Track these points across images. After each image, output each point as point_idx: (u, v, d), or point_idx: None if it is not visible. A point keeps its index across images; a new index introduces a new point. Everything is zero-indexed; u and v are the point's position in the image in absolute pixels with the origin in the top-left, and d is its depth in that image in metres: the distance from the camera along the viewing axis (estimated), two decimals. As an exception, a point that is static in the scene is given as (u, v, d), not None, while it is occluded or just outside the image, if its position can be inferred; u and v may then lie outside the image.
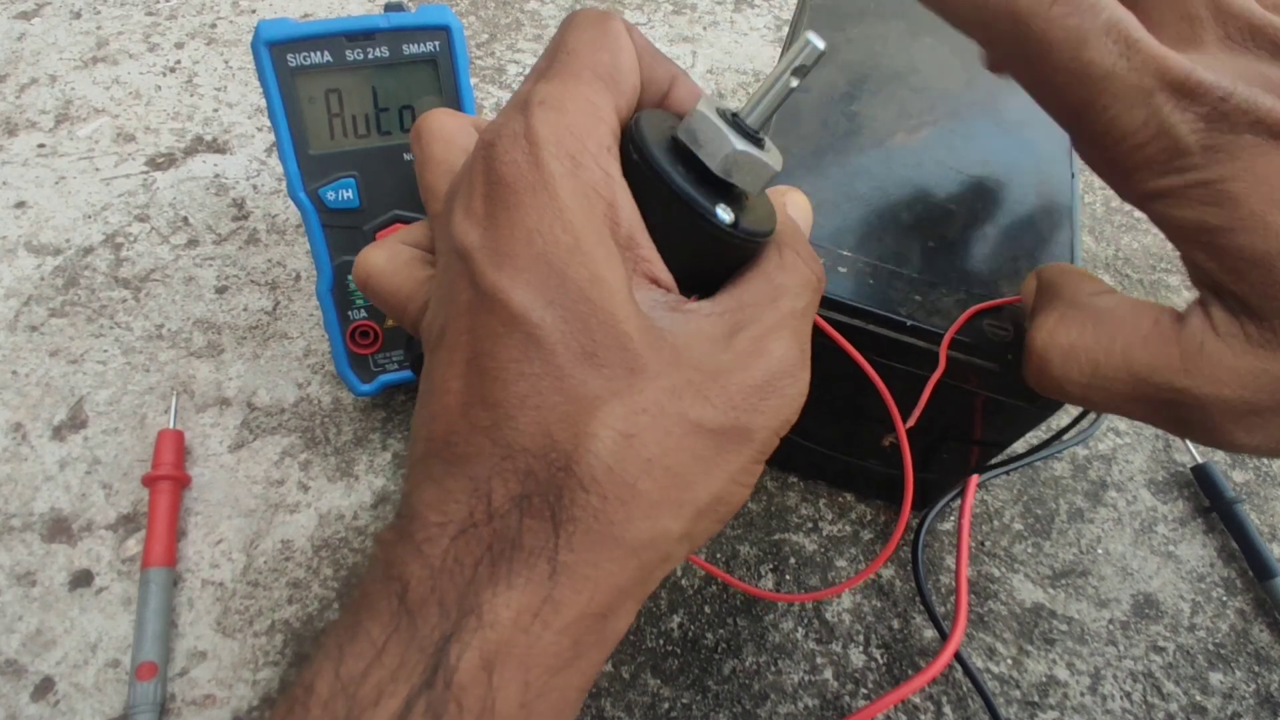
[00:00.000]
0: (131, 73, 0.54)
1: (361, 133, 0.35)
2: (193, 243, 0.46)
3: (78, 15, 0.56)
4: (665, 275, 0.19)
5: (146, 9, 0.58)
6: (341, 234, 0.36)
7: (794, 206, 0.23)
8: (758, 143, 0.19)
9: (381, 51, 0.33)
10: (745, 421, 0.18)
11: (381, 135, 0.35)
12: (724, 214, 0.19)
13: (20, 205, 0.46)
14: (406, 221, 0.37)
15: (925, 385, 0.31)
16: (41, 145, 0.49)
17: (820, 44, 0.19)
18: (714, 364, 0.18)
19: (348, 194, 0.35)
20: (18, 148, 0.49)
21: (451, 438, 0.18)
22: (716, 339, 0.19)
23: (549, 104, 0.18)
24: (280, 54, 0.32)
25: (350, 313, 0.38)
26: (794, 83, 0.19)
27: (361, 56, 0.33)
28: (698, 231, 0.19)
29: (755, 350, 0.19)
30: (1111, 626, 0.38)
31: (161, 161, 0.49)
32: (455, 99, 0.35)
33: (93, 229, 0.46)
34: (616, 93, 0.19)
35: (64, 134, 0.50)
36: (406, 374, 0.40)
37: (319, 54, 0.33)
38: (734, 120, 0.19)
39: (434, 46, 0.34)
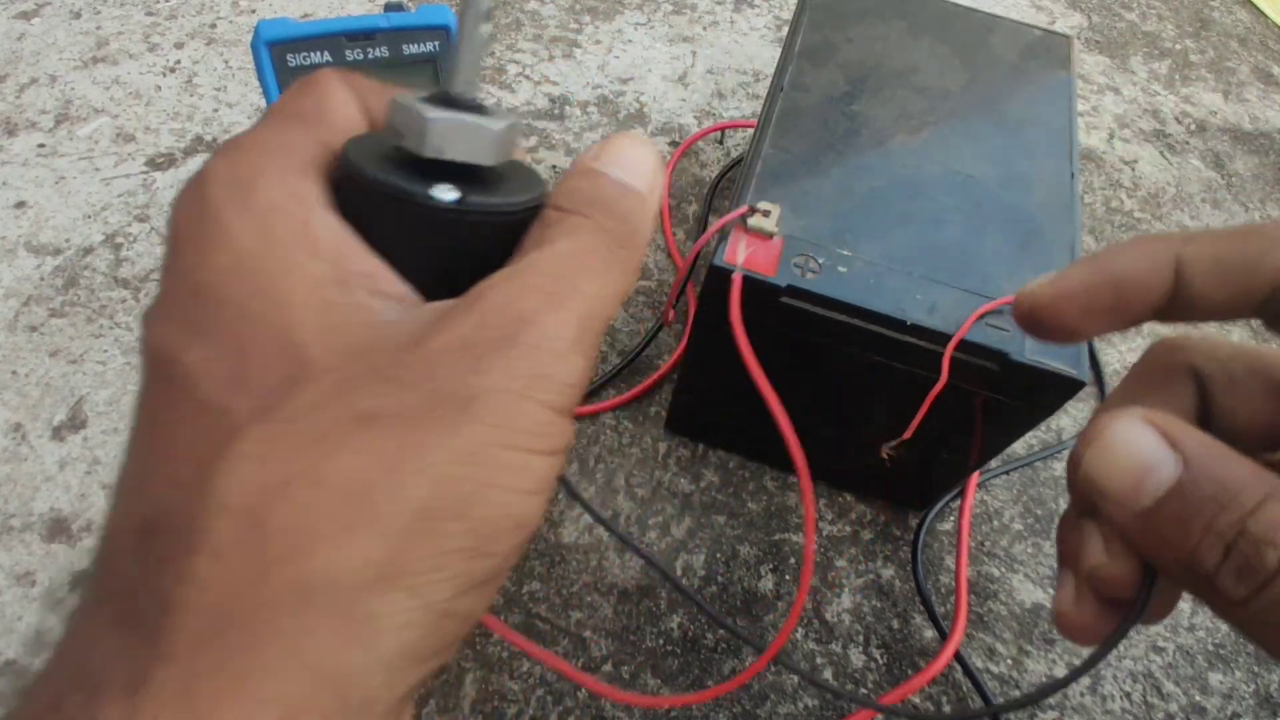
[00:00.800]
0: (131, 73, 0.54)
1: None
2: (192, 243, 0.46)
3: (77, 15, 0.56)
4: (394, 286, 0.16)
5: (146, 9, 0.58)
6: None
7: (614, 157, 0.18)
8: (474, 109, 0.17)
9: (381, 51, 0.33)
10: (452, 388, 0.14)
11: None
12: (444, 194, 0.17)
13: (20, 205, 0.46)
14: None
15: (925, 387, 0.31)
16: (41, 145, 0.49)
17: None
18: (409, 336, 0.15)
19: None
20: (18, 148, 0.49)
21: (94, 558, 0.15)
22: (433, 319, 0.15)
23: (225, 149, 0.17)
24: (280, 54, 0.32)
25: None
26: (486, 29, 0.18)
27: (361, 56, 0.33)
28: (421, 221, 0.17)
29: (466, 307, 0.15)
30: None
31: (161, 161, 0.49)
32: None
33: (93, 229, 0.46)
34: (319, 127, 0.18)
35: (64, 134, 0.50)
36: None
37: (319, 54, 0.33)
38: (438, 98, 0.17)
39: (434, 46, 0.34)
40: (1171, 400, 0.20)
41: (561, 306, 0.16)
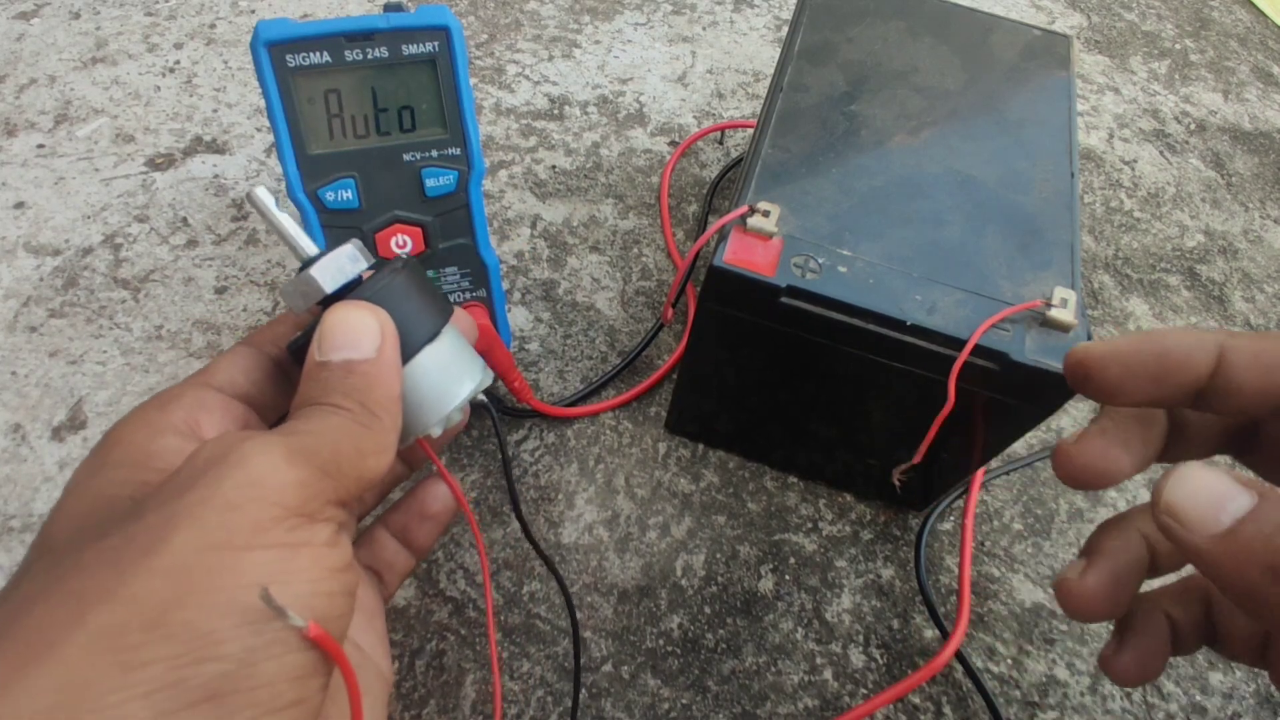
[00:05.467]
0: (131, 73, 0.54)
1: (361, 133, 0.35)
2: (192, 243, 0.46)
3: (77, 15, 0.56)
4: (164, 461, 0.20)
5: (145, 9, 0.58)
6: (341, 235, 0.36)
7: (331, 340, 0.21)
8: (307, 265, 0.23)
9: (380, 52, 0.33)
10: (155, 518, 0.17)
11: (381, 136, 0.35)
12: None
13: (19, 206, 0.46)
14: (406, 222, 0.37)
15: (925, 387, 0.31)
16: (41, 146, 0.49)
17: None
18: (136, 496, 0.19)
19: (347, 194, 0.35)
20: (17, 148, 0.49)
21: None
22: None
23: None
24: (279, 54, 0.32)
25: None
26: (278, 213, 0.24)
27: (361, 57, 0.33)
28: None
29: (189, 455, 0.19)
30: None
31: (161, 162, 0.49)
32: (455, 99, 0.35)
33: (92, 229, 0.46)
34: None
35: (63, 134, 0.50)
36: None
37: (318, 54, 0.33)
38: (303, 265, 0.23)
39: (433, 47, 0.34)
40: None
41: (269, 437, 0.18)
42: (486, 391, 0.26)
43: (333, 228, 0.36)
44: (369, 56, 0.33)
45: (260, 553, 0.17)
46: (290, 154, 0.34)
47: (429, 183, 0.36)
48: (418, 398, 0.23)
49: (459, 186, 0.36)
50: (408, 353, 0.23)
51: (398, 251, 0.37)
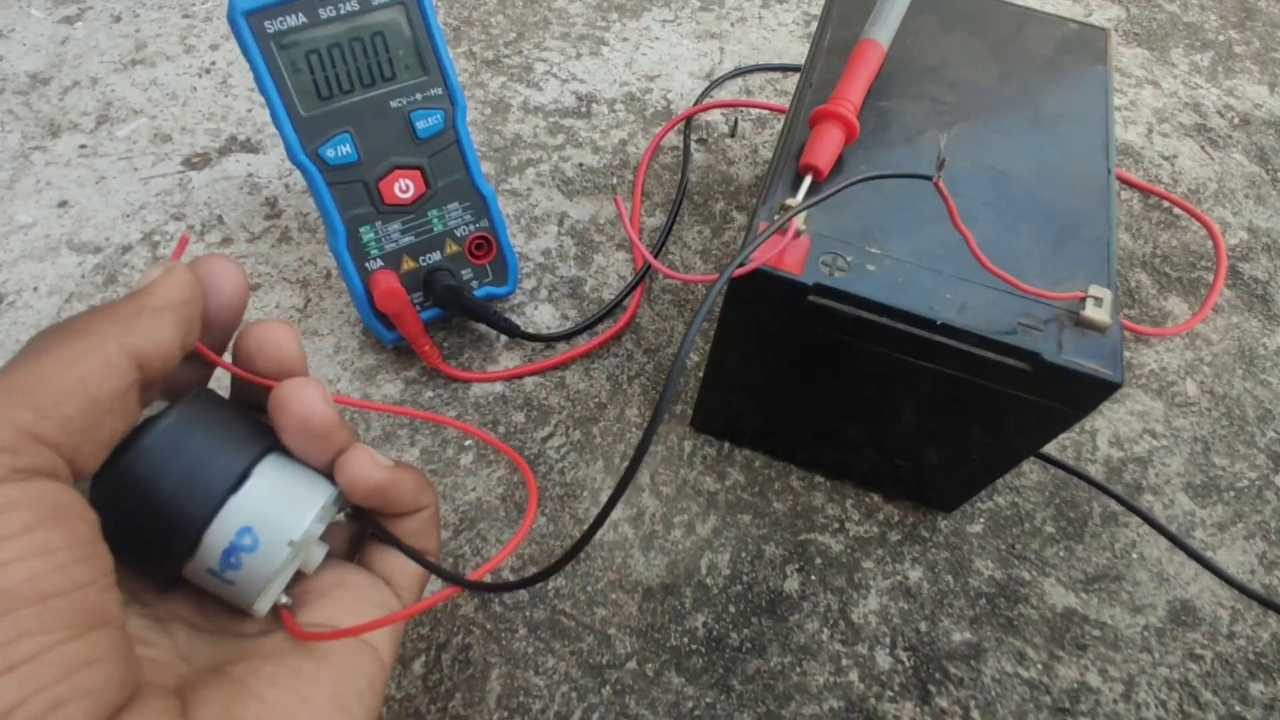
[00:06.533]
0: (168, 74, 0.55)
1: (347, 88, 0.36)
2: (226, 241, 0.47)
3: (118, 19, 0.58)
4: None
5: (183, 11, 0.59)
6: (347, 189, 0.37)
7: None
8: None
9: (352, 5, 0.34)
10: None
11: (365, 87, 0.36)
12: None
13: (63, 205, 0.48)
14: (404, 167, 0.38)
15: (955, 386, 0.30)
16: (83, 146, 0.50)
17: None
18: None
19: (346, 149, 0.36)
20: (60, 149, 0.50)
21: None
22: None
23: None
24: (257, 23, 0.33)
25: (367, 264, 0.39)
26: None
27: (334, 13, 0.34)
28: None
29: None
30: (1146, 633, 0.37)
31: (197, 161, 0.50)
32: (429, 40, 0.36)
33: (131, 227, 0.47)
34: None
35: (104, 135, 0.51)
36: (434, 311, 0.41)
37: (294, 16, 0.34)
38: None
39: None
40: None
41: None
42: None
43: (338, 184, 0.37)
44: (342, 11, 0.35)
45: None
46: (285, 118, 0.35)
47: (419, 125, 0.37)
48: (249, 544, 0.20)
49: (447, 124, 0.38)
50: (217, 499, 0.20)
51: (400, 197, 0.38)
